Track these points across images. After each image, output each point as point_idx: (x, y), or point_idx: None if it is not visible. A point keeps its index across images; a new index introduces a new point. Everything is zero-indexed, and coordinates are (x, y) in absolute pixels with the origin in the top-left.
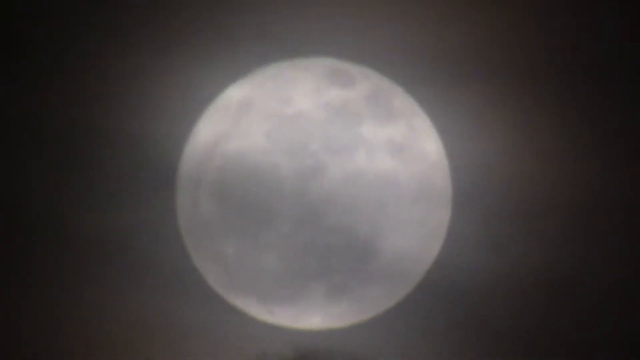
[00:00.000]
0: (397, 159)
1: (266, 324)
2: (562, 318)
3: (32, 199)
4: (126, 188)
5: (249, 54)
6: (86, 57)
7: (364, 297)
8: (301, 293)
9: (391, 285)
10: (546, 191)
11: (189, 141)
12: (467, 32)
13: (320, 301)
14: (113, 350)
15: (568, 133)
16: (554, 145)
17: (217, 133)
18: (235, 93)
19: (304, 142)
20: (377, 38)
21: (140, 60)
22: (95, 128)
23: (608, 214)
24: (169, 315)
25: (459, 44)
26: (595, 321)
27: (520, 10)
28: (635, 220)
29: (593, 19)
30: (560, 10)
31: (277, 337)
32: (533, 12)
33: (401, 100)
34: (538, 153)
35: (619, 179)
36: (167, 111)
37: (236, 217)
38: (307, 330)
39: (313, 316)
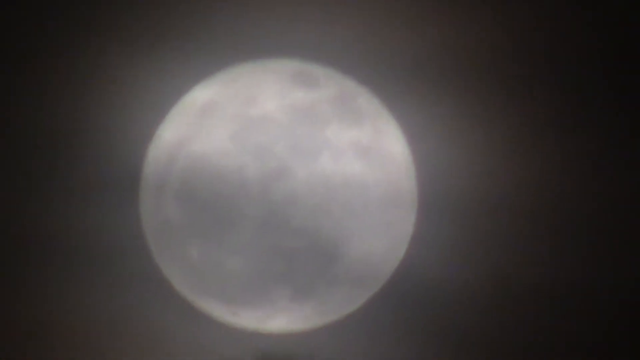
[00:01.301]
0: (363, 162)
1: (230, 326)
2: (527, 326)
3: None
4: (88, 190)
5: (213, 55)
6: (46, 56)
7: (329, 300)
8: (266, 296)
9: (356, 288)
10: (514, 195)
11: (152, 143)
12: (435, 34)
13: (285, 304)
14: (74, 354)
15: (538, 135)
16: (522, 148)
17: (181, 135)
18: (200, 94)
19: (268, 144)
20: (342, 39)
21: (103, 60)
22: (56, 129)
23: (579, 220)
24: (132, 317)
25: (426, 46)
26: (564, 330)
27: (493, 14)
28: (606, 223)
29: (569, 21)
30: (536, 13)
31: (241, 339)
32: (506, 16)
33: (367, 102)
34: (506, 156)
35: (593, 183)
36: (130, 112)
37: (200, 219)
38: (271, 333)
39: (278, 319)
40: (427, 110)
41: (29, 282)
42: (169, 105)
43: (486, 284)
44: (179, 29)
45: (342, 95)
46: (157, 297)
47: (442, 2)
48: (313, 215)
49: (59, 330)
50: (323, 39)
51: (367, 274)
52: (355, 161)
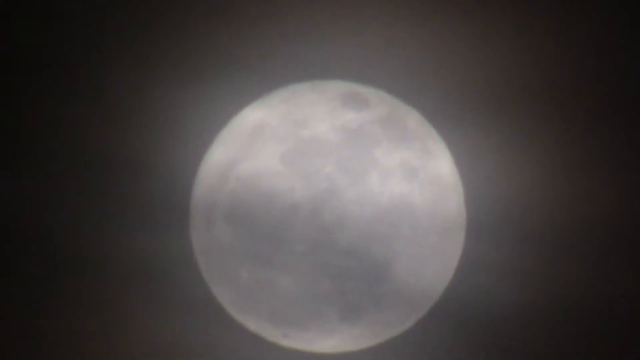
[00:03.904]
0: (411, 183)
1: (280, 347)
2: (578, 347)
3: (44, 223)
4: (139, 212)
5: (263, 77)
6: (97, 80)
7: (378, 321)
8: (315, 316)
9: (405, 309)
10: (564, 218)
11: (202, 164)
12: (486, 56)
13: (334, 325)
14: None
15: (588, 159)
16: (573, 171)
17: (231, 156)
18: (250, 116)
19: (318, 165)
20: (392, 61)
21: (153, 83)
22: (105, 153)
23: (633, 239)
24: (183, 339)
25: (477, 69)
26: (618, 354)
27: (544, 38)
28: None
29: (611, 49)
30: (589, 37)
31: None
32: (556, 44)
33: (416, 123)
34: (556, 180)
35: None
36: (181, 135)
37: (250, 240)
38: (321, 354)
39: (327, 339)
40: (476, 132)
41: (79, 306)
42: (219, 126)
43: (536, 306)
44: (229, 50)
45: (391, 117)
46: (208, 319)
47: (493, 26)
48: (362, 236)
49: (110, 353)
50: (373, 60)
51: (416, 295)
52: (404, 182)
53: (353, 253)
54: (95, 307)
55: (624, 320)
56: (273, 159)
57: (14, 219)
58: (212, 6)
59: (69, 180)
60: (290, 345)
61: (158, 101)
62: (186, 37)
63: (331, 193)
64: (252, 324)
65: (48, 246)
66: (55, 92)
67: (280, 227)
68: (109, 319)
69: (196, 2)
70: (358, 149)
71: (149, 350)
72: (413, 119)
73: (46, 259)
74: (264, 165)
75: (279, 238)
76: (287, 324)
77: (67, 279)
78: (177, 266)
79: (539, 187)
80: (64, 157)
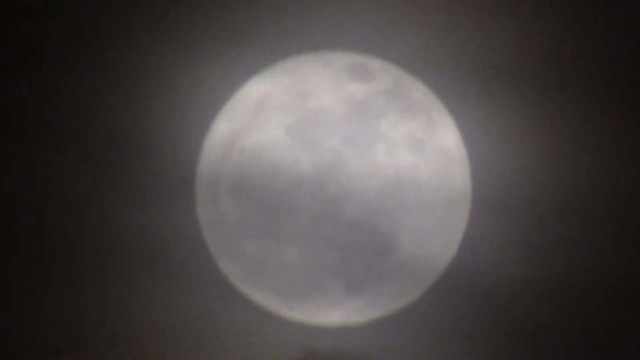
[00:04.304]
0: (417, 155)
1: (285, 319)
2: (577, 323)
3: (50, 201)
4: (144, 186)
5: (268, 48)
6: (100, 57)
7: (382, 294)
8: (320, 288)
9: (409, 282)
10: (569, 193)
11: (207, 137)
12: (491, 27)
13: (338, 297)
14: (133, 354)
15: (596, 132)
16: (580, 144)
17: (236, 128)
18: (254, 88)
19: (323, 137)
20: (397, 32)
21: (156, 58)
22: (109, 127)
23: (630, 216)
24: (189, 312)
25: (483, 40)
26: (624, 329)
27: (551, 11)
28: None
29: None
30: (595, 13)
31: (296, 332)
32: (565, 13)
33: (422, 95)
34: (560, 153)
35: None
36: (184, 108)
37: (255, 213)
38: (325, 326)
39: (332, 312)
40: (482, 103)
41: (85, 282)
42: (223, 99)
43: (539, 280)
44: (233, 22)
45: (396, 88)
46: (213, 292)
47: (506, 5)
48: (367, 208)
49: (118, 330)
50: (378, 31)
51: (420, 268)
52: (410, 154)
53: (358, 226)
54: (101, 282)
55: (628, 295)
56: (278, 131)
57: (21, 197)
58: None
59: (74, 157)
60: (295, 317)
61: (162, 75)
62: (189, 10)
63: (336, 165)
64: (258, 297)
65: (53, 223)
66: (59, 70)
67: (285, 199)
68: (115, 294)
69: None
70: (363, 121)
71: (155, 323)
72: (418, 91)
73: (52, 235)
74: (269, 137)
75: (284, 211)
76: (292, 296)
77: (73, 254)
78: (182, 240)
79: (545, 161)
80: (68, 133)
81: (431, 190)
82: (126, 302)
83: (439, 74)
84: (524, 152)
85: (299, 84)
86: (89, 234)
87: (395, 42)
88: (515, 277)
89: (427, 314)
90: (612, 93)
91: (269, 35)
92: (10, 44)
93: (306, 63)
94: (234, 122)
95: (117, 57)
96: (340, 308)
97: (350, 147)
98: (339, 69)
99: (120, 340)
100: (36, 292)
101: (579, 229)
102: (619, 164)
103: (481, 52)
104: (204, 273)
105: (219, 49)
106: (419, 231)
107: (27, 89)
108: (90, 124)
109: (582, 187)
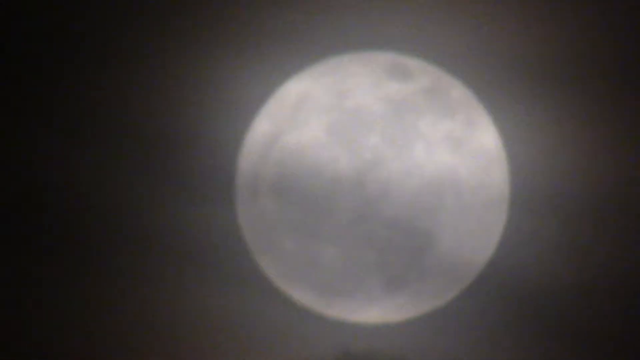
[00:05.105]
0: (455, 154)
1: (324, 317)
2: (619, 322)
3: (92, 198)
4: (186, 185)
5: (308, 48)
6: (140, 57)
7: (421, 291)
8: (359, 286)
9: (448, 280)
10: (609, 193)
11: (247, 136)
12: (531, 27)
13: (377, 294)
14: (171, 351)
15: (632, 132)
16: (621, 144)
17: (276, 128)
18: (294, 87)
19: (362, 136)
20: (436, 31)
21: (198, 57)
22: (152, 127)
23: None
24: (229, 310)
25: (522, 40)
26: None
27: (590, 10)
28: None
29: None
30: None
31: (335, 330)
32: (602, 13)
33: (460, 94)
34: (598, 152)
35: None
36: (225, 107)
37: (295, 211)
38: (365, 324)
39: (371, 309)
40: (521, 103)
41: (127, 279)
42: (263, 98)
43: (575, 279)
44: (273, 22)
45: (435, 88)
46: (253, 289)
47: (546, 8)
48: (406, 207)
49: (160, 327)
50: (417, 31)
51: (459, 267)
52: (448, 154)
53: (397, 224)
54: (143, 280)
55: None
56: (317, 130)
57: (65, 195)
58: None
59: (114, 157)
60: (334, 315)
61: (203, 74)
62: (230, 10)
63: (376, 164)
64: (297, 294)
65: (96, 221)
66: (106, 69)
67: (324, 198)
68: (157, 292)
69: None
70: (402, 121)
71: (194, 320)
72: (457, 90)
73: (94, 234)
74: (309, 136)
75: (323, 209)
76: (331, 294)
77: (114, 252)
78: (223, 238)
79: (584, 161)
80: (109, 135)
81: (470, 189)
82: (167, 299)
83: (477, 73)
84: (562, 152)
85: (338, 83)
86: (132, 231)
87: (433, 41)
88: (553, 277)
89: (465, 313)
90: None
91: (309, 36)
92: (61, 41)
93: (346, 63)
94: (274, 121)
95: (162, 59)
96: (379, 306)
97: (390, 147)
98: (378, 69)
99: (162, 337)
100: (82, 289)
101: (618, 228)
102: None
103: (520, 51)
104: (244, 271)
105: (260, 49)
106: (457, 230)
107: (74, 88)
108: (134, 124)
109: (621, 186)
